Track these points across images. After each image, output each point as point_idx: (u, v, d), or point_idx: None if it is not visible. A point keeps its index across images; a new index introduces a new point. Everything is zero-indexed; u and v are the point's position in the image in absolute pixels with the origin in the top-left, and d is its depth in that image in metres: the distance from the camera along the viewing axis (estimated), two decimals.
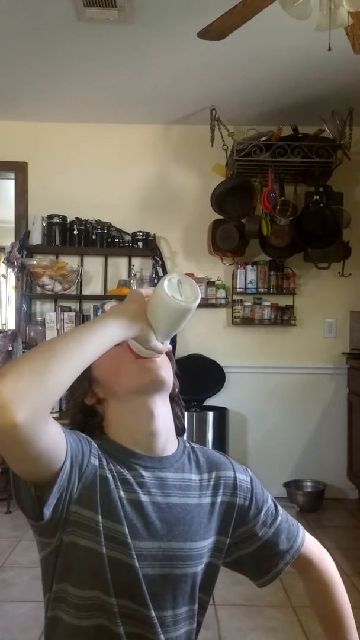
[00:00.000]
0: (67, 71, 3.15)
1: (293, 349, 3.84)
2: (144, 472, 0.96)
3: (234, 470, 1.07)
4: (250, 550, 1.06)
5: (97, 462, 0.93)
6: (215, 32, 2.16)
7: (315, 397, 3.84)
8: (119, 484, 0.93)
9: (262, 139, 3.40)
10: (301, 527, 1.12)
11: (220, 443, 3.51)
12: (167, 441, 1.01)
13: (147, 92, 3.39)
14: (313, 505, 3.56)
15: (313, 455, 3.78)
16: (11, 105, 3.62)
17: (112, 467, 0.94)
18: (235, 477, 1.06)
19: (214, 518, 1.02)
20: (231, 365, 3.74)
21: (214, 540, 1.02)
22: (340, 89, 3.26)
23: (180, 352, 3.73)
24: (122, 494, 0.93)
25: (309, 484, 3.71)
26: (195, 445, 1.09)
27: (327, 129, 3.38)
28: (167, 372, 0.99)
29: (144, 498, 0.94)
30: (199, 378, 3.60)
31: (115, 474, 0.94)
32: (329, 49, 1.85)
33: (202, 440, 3.46)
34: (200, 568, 0.99)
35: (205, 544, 1.00)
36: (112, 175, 3.86)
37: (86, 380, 1.00)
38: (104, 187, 3.84)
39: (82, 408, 1.03)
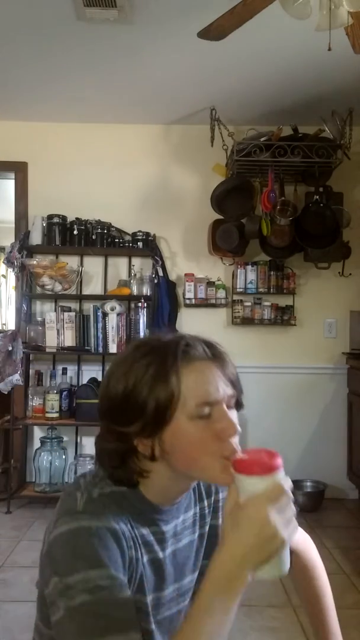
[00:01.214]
0: (67, 71, 3.15)
1: (293, 349, 3.85)
2: (164, 527, 0.92)
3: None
4: None
5: (131, 555, 0.85)
6: (215, 32, 2.16)
7: (315, 397, 3.84)
8: (142, 551, 0.88)
9: (262, 139, 3.40)
10: None
11: None
12: None
13: (147, 92, 3.39)
14: (313, 505, 3.55)
15: (313, 455, 3.78)
16: (11, 105, 3.62)
17: (136, 534, 0.87)
18: None
19: (203, 546, 1.02)
20: None
21: (200, 566, 1.02)
22: (340, 89, 3.26)
23: None
24: (144, 559, 0.89)
25: (309, 484, 3.71)
26: None
27: (327, 129, 3.38)
28: None
29: (162, 555, 0.92)
30: None
31: (138, 541, 0.88)
32: (329, 49, 1.85)
33: None
34: None
35: (193, 577, 1.00)
36: (112, 175, 3.86)
37: (155, 431, 0.84)
38: (104, 187, 3.84)
39: (125, 445, 0.86)
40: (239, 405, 0.90)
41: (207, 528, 1.02)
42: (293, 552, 1.11)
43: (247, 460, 0.77)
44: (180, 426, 0.83)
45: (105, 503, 0.85)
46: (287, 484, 0.75)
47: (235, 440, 0.85)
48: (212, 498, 1.04)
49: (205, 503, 1.03)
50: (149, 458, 0.85)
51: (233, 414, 0.87)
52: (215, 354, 0.88)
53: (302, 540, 1.15)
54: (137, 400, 0.83)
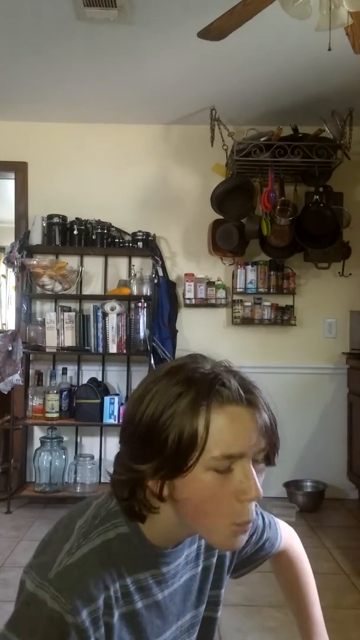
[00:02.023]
0: (67, 71, 3.15)
1: (293, 349, 3.85)
2: (164, 569, 0.86)
3: None
4: (235, 563, 1.06)
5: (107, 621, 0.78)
6: (215, 32, 2.16)
7: (315, 397, 3.84)
8: (135, 598, 0.83)
9: (262, 139, 3.40)
10: (279, 527, 1.13)
11: None
12: None
13: (147, 92, 3.40)
14: (313, 505, 3.55)
15: (313, 455, 3.78)
16: (11, 105, 3.62)
17: (127, 584, 0.81)
18: None
19: (209, 579, 0.98)
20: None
21: (207, 596, 1.00)
22: (340, 89, 3.26)
23: (181, 352, 3.73)
24: (138, 606, 0.83)
25: (309, 484, 3.71)
26: None
27: (327, 129, 3.38)
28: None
29: (161, 596, 0.86)
30: None
31: (131, 589, 0.82)
32: (329, 49, 1.85)
33: None
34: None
35: (198, 612, 0.98)
36: (112, 175, 3.86)
37: (169, 475, 0.77)
38: (104, 187, 3.84)
39: (135, 479, 0.80)
40: (268, 461, 0.81)
41: (214, 560, 0.97)
42: (280, 550, 1.13)
43: None
44: (196, 475, 0.75)
45: (86, 569, 0.76)
46: None
47: (252, 506, 0.77)
48: None
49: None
50: (157, 497, 0.79)
51: (259, 472, 0.78)
52: (250, 400, 0.78)
53: (288, 535, 1.16)
54: (160, 431, 0.75)
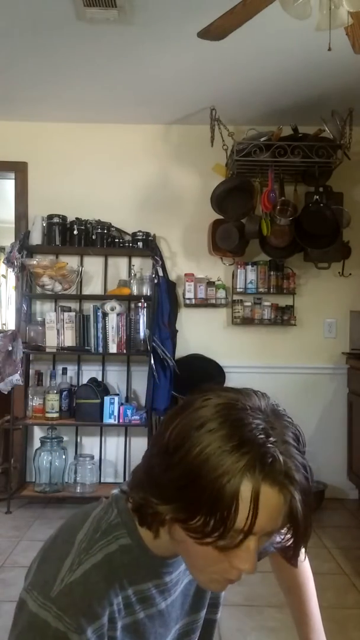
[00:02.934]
0: (67, 71, 3.15)
1: (293, 349, 3.85)
2: (167, 578, 0.85)
3: None
4: None
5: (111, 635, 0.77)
6: (215, 32, 2.16)
7: (315, 397, 3.84)
8: (138, 608, 0.82)
9: (262, 139, 3.40)
10: None
11: None
12: None
13: (147, 92, 3.39)
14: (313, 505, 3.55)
15: (313, 455, 3.76)
16: (11, 105, 3.62)
17: (130, 594, 0.80)
18: None
19: None
20: (231, 365, 3.74)
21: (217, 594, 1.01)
22: (340, 89, 3.26)
23: (180, 352, 3.73)
24: (141, 616, 0.82)
25: None
26: None
27: (327, 129, 3.38)
28: None
29: (164, 605, 0.86)
30: (199, 378, 3.60)
31: (133, 600, 0.81)
32: (329, 49, 1.85)
33: None
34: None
35: (199, 616, 0.98)
36: (112, 175, 3.86)
37: (179, 521, 0.73)
38: (104, 187, 3.84)
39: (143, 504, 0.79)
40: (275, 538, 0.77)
41: None
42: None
43: None
44: (188, 539, 0.72)
45: (89, 586, 0.74)
46: None
47: (241, 573, 0.74)
48: None
49: None
50: (159, 523, 0.78)
51: (262, 543, 0.74)
52: (292, 479, 0.70)
53: None
54: (198, 484, 0.68)
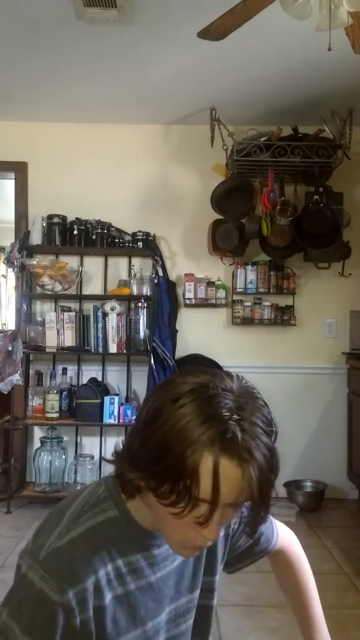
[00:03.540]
0: (67, 71, 3.15)
1: (293, 349, 3.85)
2: (156, 551, 0.89)
3: None
4: (229, 557, 1.08)
5: (97, 605, 0.82)
6: (215, 32, 2.16)
7: (315, 397, 3.84)
8: (129, 579, 0.86)
9: (262, 139, 3.40)
10: (275, 525, 1.15)
11: None
12: None
13: (147, 92, 3.39)
14: (313, 505, 3.55)
15: (313, 455, 3.78)
16: (11, 105, 3.62)
17: (119, 566, 0.85)
18: None
19: (202, 564, 0.99)
20: (231, 365, 3.74)
21: (209, 579, 1.01)
22: (340, 89, 3.26)
23: (181, 352, 3.73)
24: (131, 587, 0.86)
25: (309, 484, 3.71)
26: None
27: (327, 129, 3.38)
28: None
29: (153, 578, 0.89)
30: None
31: (122, 571, 0.85)
32: (329, 49, 1.85)
33: None
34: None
35: (193, 596, 0.99)
36: (112, 175, 3.86)
37: (150, 488, 0.78)
38: (104, 187, 3.84)
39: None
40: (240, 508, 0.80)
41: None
42: (277, 549, 1.14)
43: None
44: (157, 504, 0.78)
45: (74, 552, 0.81)
46: None
47: (205, 541, 0.80)
48: None
49: None
50: (134, 489, 0.83)
51: (229, 515, 0.79)
52: (252, 455, 0.75)
53: (286, 536, 1.17)
54: (165, 454, 0.74)
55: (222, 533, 1.00)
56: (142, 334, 3.64)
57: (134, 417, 3.53)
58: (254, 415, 0.77)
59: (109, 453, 3.77)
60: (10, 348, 3.45)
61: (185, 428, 0.74)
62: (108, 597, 0.83)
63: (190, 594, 0.97)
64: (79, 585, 0.79)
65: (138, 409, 3.62)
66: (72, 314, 3.65)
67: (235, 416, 0.75)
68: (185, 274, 3.78)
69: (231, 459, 0.74)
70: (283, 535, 1.16)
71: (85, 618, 0.79)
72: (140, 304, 3.65)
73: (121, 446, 0.86)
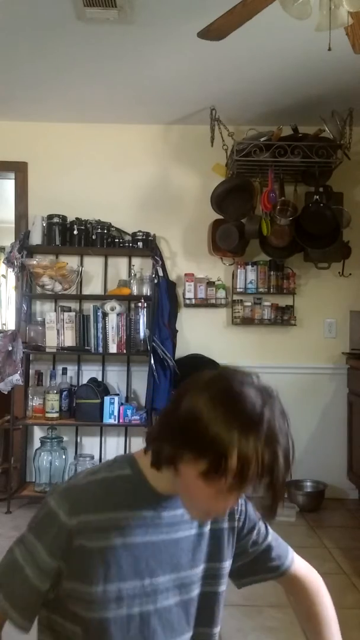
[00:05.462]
0: (67, 71, 3.15)
1: (293, 349, 3.85)
2: (163, 513, 0.98)
3: None
4: (238, 565, 1.10)
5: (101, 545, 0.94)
6: (215, 32, 2.16)
7: (315, 397, 3.84)
8: (137, 532, 0.96)
9: (262, 139, 3.40)
10: (290, 549, 1.16)
11: None
12: None
13: (147, 92, 3.40)
14: (313, 505, 3.55)
15: (313, 455, 3.78)
16: (11, 105, 3.62)
17: (121, 518, 0.96)
18: None
19: (202, 546, 1.03)
20: (231, 365, 3.74)
21: (203, 568, 1.03)
22: (340, 89, 3.26)
23: (181, 352, 3.73)
24: (139, 540, 0.96)
25: (309, 484, 3.71)
26: None
27: (327, 129, 3.38)
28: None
29: (156, 538, 0.98)
30: None
31: (126, 523, 0.96)
32: (329, 49, 1.85)
33: None
34: (188, 597, 1.01)
35: (192, 573, 1.01)
36: (112, 175, 3.86)
37: (180, 455, 0.89)
38: (104, 187, 3.84)
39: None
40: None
41: (206, 529, 1.03)
42: (295, 577, 1.14)
43: None
44: (190, 475, 0.87)
45: (83, 491, 0.97)
46: None
47: (223, 510, 0.93)
48: None
49: None
50: (168, 461, 0.92)
51: (238, 495, 0.90)
52: (277, 441, 0.86)
53: (306, 567, 1.17)
54: (202, 430, 0.85)
55: (226, 525, 1.06)
56: (142, 334, 3.64)
57: (134, 417, 3.54)
58: (276, 406, 0.90)
59: (109, 453, 3.77)
60: (10, 348, 3.45)
61: (224, 412, 0.85)
62: (116, 541, 0.94)
63: (190, 570, 1.01)
64: (84, 516, 0.94)
65: (138, 409, 3.62)
66: (72, 314, 3.65)
67: (265, 408, 0.87)
68: (185, 274, 3.78)
69: (258, 441, 0.84)
70: (300, 563, 1.16)
71: (88, 545, 0.93)
72: (140, 304, 3.65)
73: (153, 429, 0.97)
